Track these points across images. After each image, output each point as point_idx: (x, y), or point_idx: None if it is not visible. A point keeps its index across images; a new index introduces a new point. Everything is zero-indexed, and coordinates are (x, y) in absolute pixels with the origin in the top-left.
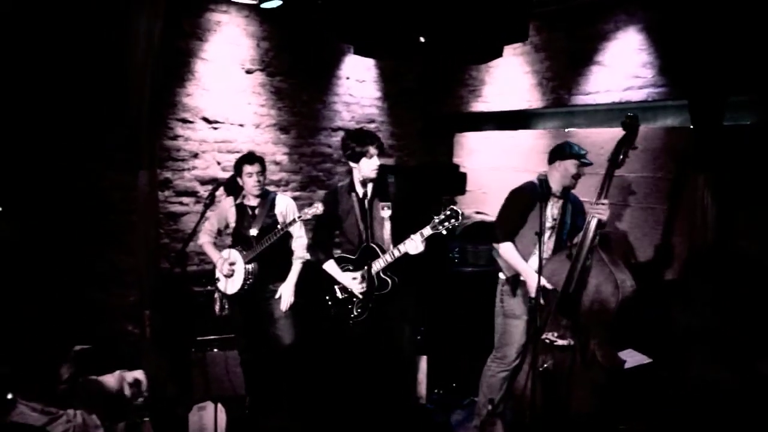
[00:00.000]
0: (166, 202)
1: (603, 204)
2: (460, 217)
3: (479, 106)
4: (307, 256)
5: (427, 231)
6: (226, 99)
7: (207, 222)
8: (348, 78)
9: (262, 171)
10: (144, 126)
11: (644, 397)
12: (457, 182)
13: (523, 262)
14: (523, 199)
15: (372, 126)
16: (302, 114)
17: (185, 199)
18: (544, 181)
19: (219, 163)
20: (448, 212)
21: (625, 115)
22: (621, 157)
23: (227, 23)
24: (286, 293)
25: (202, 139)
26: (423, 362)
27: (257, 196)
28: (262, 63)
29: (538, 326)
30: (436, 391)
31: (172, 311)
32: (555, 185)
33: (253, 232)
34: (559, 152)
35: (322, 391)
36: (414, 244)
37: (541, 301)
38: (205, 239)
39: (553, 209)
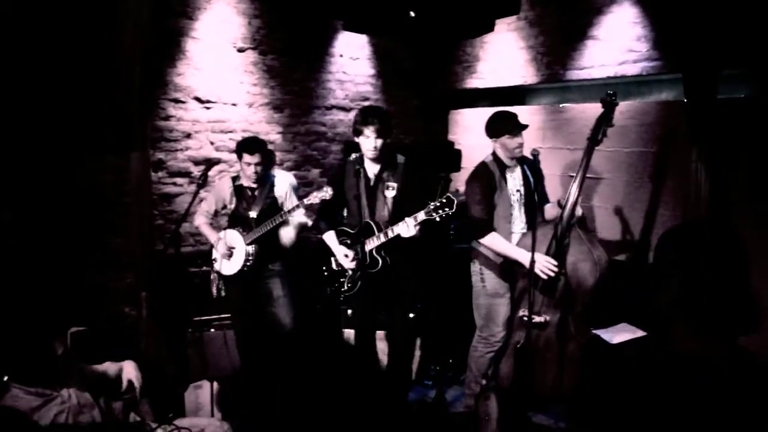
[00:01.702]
0: (160, 183)
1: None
2: (454, 206)
3: (474, 82)
4: (303, 220)
5: (421, 216)
6: (218, 78)
7: (204, 202)
8: (341, 56)
9: (261, 162)
10: (135, 107)
11: (635, 372)
12: (452, 159)
13: (512, 246)
14: (483, 180)
15: (366, 104)
16: (295, 92)
17: (179, 180)
18: (495, 155)
19: (212, 143)
20: (444, 200)
21: (605, 92)
22: (600, 134)
23: (217, 1)
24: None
25: (195, 119)
26: (416, 341)
27: (255, 182)
28: (253, 41)
29: (531, 302)
30: (432, 367)
31: (168, 292)
32: (505, 158)
33: (253, 213)
34: (491, 129)
35: (316, 372)
36: (406, 227)
37: (541, 274)
38: (201, 220)
39: (514, 181)
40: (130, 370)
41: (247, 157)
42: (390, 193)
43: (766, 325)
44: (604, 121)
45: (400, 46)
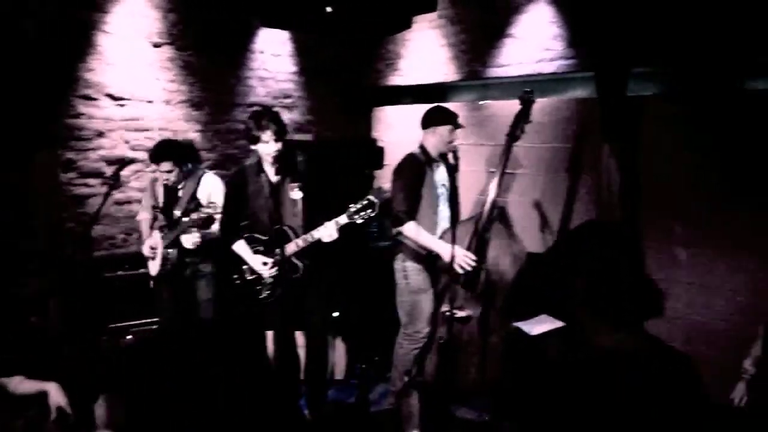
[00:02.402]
0: (70, 184)
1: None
2: (376, 208)
3: (397, 79)
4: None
5: (343, 219)
6: (132, 74)
7: (144, 197)
8: (262, 52)
9: (171, 171)
10: (41, 103)
11: (554, 362)
12: (375, 156)
13: (431, 237)
14: (412, 170)
15: (288, 101)
16: (215, 90)
17: (91, 181)
18: (423, 148)
19: (127, 142)
20: (365, 202)
21: (522, 90)
22: (518, 131)
23: None
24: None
25: (108, 117)
26: (339, 342)
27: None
28: (170, 36)
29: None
30: (358, 366)
31: (80, 299)
32: (433, 151)
33: (177, 212)
34: (434, 118)
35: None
36: (327, 232)
37: (458, 269)
38: (143, 216)
39: (439, 176)
40: (55, 395)
41: (154, 167)
42: (296, 195)
43: (667, 313)
44: (521, 118)
45: (322, 42)
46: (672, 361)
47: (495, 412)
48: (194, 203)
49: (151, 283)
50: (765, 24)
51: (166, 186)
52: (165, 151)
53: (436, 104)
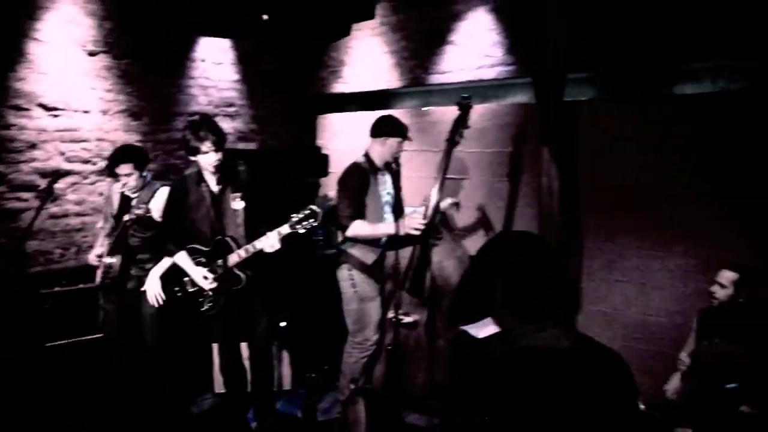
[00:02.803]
0: (1, 198)
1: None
2: (318, 218)
3: (340, 87)
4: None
5: (285, 230)
6: (66, 84)
7: (103, 207)
8: (203, 60)
9: (131, 174)
10: None
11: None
12: (320, 164)
13: (377, 225)
14: (358, 179)
15: (231, 110)
16: (155, 99)
17: (24, 195)
18: (368, 157)
19: (62, 154)
20: (307, 212)
21: (460, 96)
22: (457, 136)
23: (63, 0)
24: (149, 286)
25: (41, 128)
26: (285, 352)
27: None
28: (106, 44)
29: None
30: (307, 375)
31: (13, 317)
32: (378, 160)
33: (127, 218)
34: (385, 128)
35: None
36: (269, 242)
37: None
38: (100, 224)
39: (384, 185)
40: None
41: (116, 170)
42: (238, 205)
43: (607, 311)
44: (460, 123)
45: (264, 50)
46: (602, 357)
47: (445, 415)
48: (146, 214)
49: (100, 295)
50: (689, 33)
51: (122, 194)
52: (125, 153)
53: (387, 114)
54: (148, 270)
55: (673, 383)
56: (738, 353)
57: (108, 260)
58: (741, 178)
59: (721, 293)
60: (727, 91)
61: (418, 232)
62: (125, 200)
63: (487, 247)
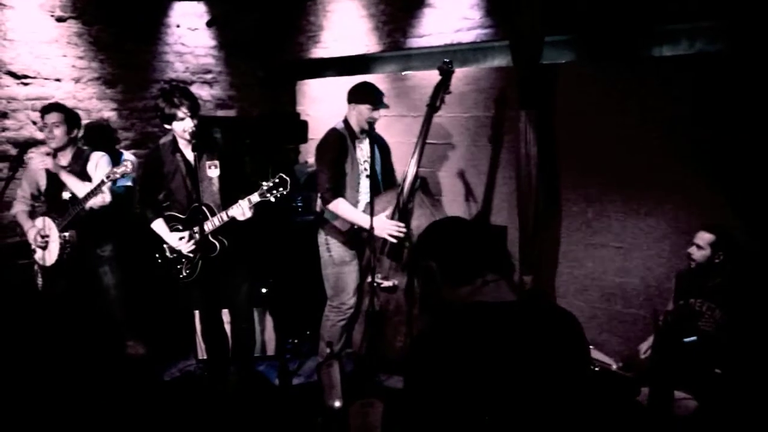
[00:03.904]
0: None
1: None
2: (288, 186)
3: (319, 52)
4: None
5: (255, 198)
6: (35, 51)
7: (19, 188)
8: (178, 26)
9: (58, 125)
10: None
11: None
12: (299, 130)
13: (358, 213)
14: (335, 146)
15: (209, 77)
16: (129, 66)
17: None
18: (346, 123)
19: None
20: (277, 180)
21: (442, 61)
22: (438, 101)
23: None
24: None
25: (11, 97)
26: (267, 317)
27: (58, 150)
28: (75, 10)
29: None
30: (290, 340)
31: None
32: (356, 127)
33: (66, 195)
34: (354, 95)
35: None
36: (241, 210)
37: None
38: (19, 208)
39: (362, 152)
40: None
41: (43, 119)
42: (214, 173)
43: (583, 275)
44: (441, 88)
45: (241, 15)
46: (549, 310)
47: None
48: (86, 180)
49: (39, 279)
50: None
51: (48, 172)
52: (55, 104)
53: (363, 80)
54: (99, 242)
55: (646, 344)
56: (707, 311)
57: (65, 234)
58: (718, 139)
59: (698, 254)
60: (704, 53)
61: (394, 240)
62: (53, 176)
63: (423, 234)
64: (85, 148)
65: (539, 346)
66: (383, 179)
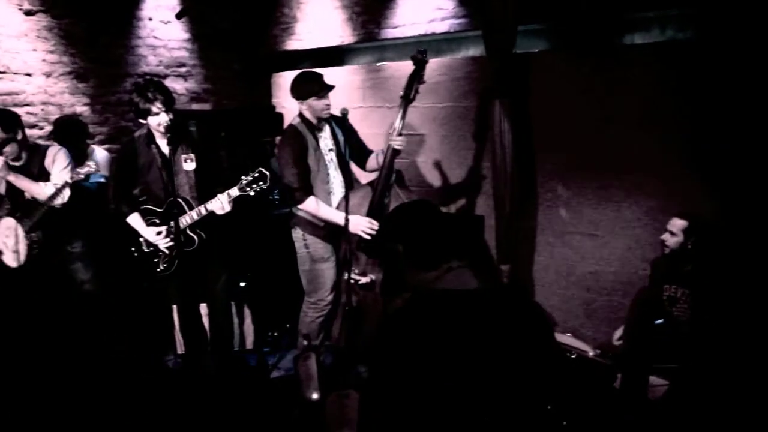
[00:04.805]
0: None
1: (400, 137)
2: (268, 180)
3: (294, 44)
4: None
5: (234, 192)
6: (4, 45)
7: None
8: (151, 19)
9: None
10: None
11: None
12: (275, 123)
13: (332, 210)
14: (294, 143)
15: (183, 70)
16: (101, 60)
17: None
18: (302, 116)
19: None
20: (257, 174)
21: (416, 50)
22: (413, 92)
23: None
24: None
25: None
26: (246, 310)
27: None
28: (44, 3)
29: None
30: (269, 334)
31: None
32: (312, 119)
33: (28, 194)
34: (295, 92)
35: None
36: (220, 204)
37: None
38: None
39: (325, 141)
40: None
41: None
42: (189, 166)
43: (560, 263)
44: (415, 79)
45: (216, 7)
46: (513, 297)
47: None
48: (45, 177)
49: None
50: None
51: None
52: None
53: (299, 73)
54: (68, 240)
55: (619, 331)
56: (681, 297)
57: (32, 235)
58: (690, 127)
59: (671, 241)
60: (675, 41)
61: (368, 237)
62: (14, 171)
63: (390, 216)
64: (41, 143)
65: (499, 334)
66: (357, 159)
